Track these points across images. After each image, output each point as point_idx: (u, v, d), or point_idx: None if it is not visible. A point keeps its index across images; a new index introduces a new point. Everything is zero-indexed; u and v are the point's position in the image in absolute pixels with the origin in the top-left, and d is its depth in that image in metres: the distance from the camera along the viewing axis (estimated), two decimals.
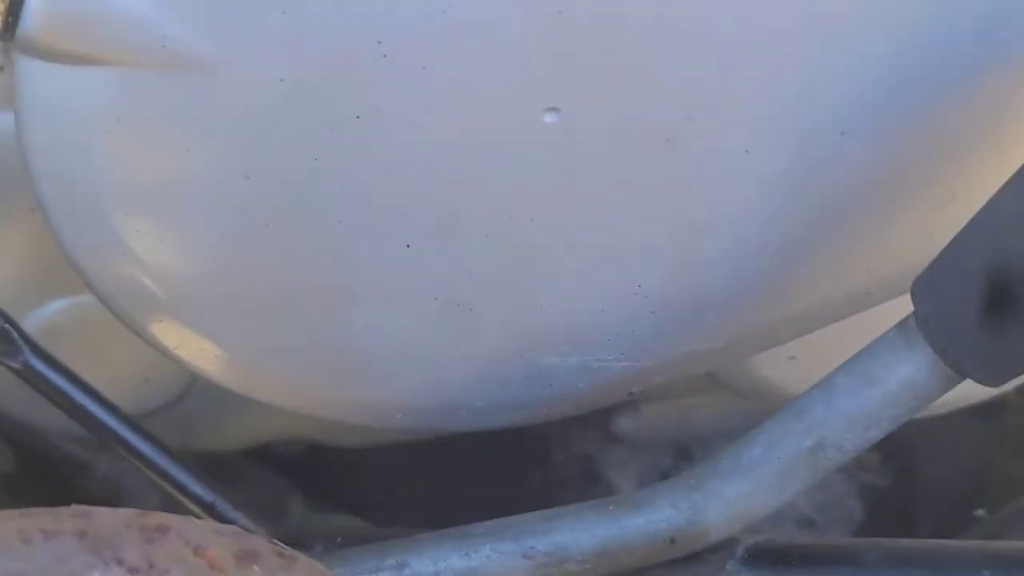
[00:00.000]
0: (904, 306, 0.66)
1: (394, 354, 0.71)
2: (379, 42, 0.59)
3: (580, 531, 0.68)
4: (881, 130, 0.64)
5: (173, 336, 0.70)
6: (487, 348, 0.71)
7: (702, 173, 0.65)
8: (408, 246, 0.66)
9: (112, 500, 1.00)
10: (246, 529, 0.65)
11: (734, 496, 0.67)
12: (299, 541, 0.74)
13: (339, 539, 0.77)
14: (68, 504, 0.56)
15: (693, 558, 0.69)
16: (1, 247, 0.76)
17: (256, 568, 0.57)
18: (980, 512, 1.01)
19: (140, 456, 0.74)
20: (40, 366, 0.71)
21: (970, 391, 0.65)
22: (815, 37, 0.61)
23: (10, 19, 0.58)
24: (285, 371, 0.71)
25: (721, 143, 0.64)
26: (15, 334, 0.71)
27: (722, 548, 0.69)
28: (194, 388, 0.86)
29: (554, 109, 0.62)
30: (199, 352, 0.70)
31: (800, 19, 0.61)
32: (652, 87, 0.62)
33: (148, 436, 0.74)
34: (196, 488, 0.75)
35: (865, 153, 0.65)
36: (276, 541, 0.58)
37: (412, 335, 0.70)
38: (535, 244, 0.67)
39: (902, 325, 0.63)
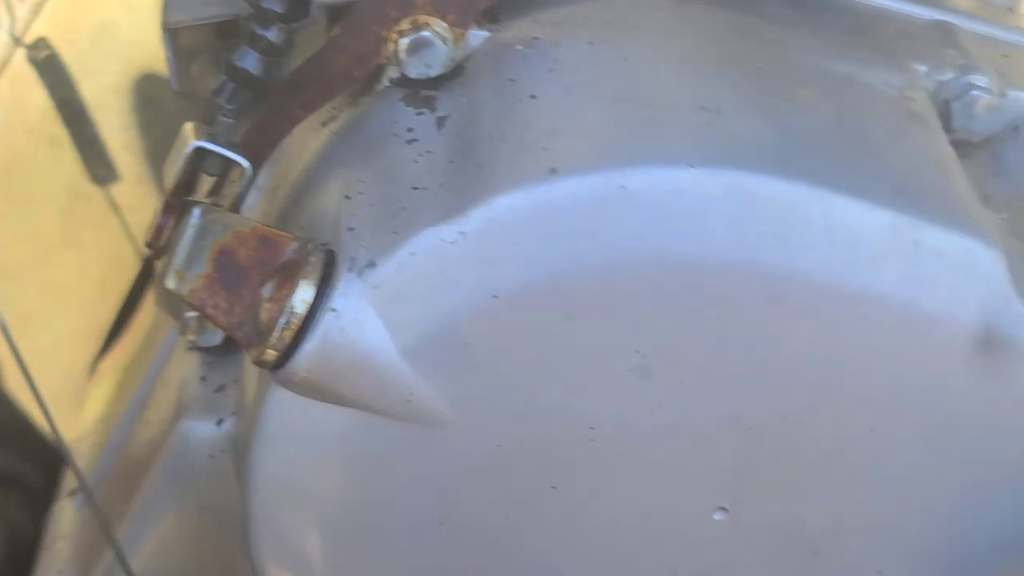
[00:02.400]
0: None
1: None
2: (592, 428, 0.67)
3: None
4: None
5: None
6: None
7: None
8: None
9: None
10: None
11: None
12: None
13: None
14: None
15: None
16: (163, 536, 0.82)
17: None
18: None
19: None
20: None
21: None
22: (956, 500, 0.71)
23: (283, 356, 0.66)
24: None
25: (861, 563, 0.72)
26: None
27: None
28: None
29: (723, 508, 0.70)
30: None
31: (945, 483, 0.70)
32: (813, 504, 0.70)
33: None
34: None
35: None
36: None
37: None
38: None
39: None
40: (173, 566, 0.83)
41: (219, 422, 0.79)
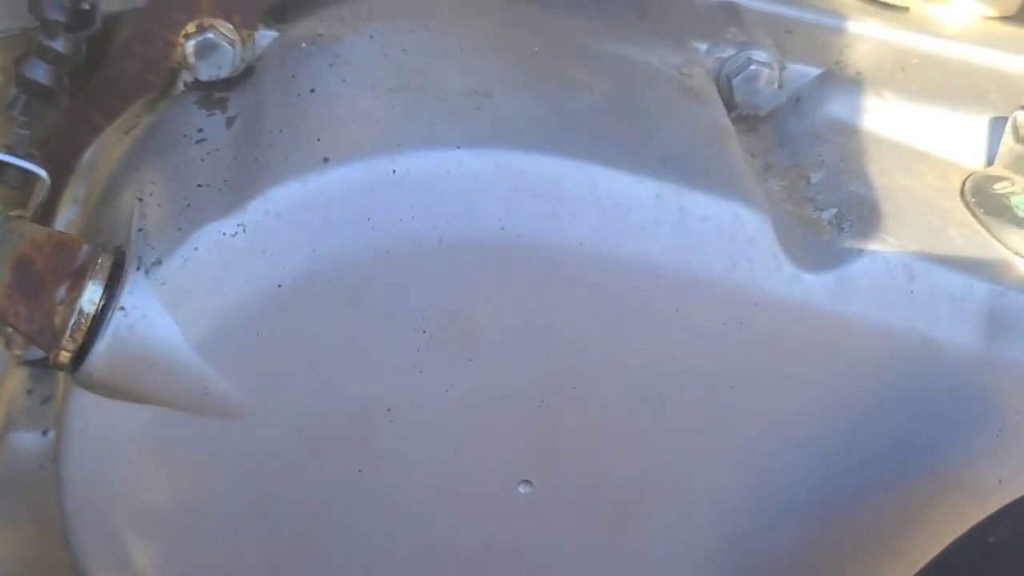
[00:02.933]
0: None
1: None
2: (388, 409, 0.69)
3: None
4: (801, 529, 0.75)
5: None
6: None
7: (647, 548, 0.75)
8: None
9: None
10: None
11: None
12: None
13: None
14: None
15: None
16: (8, 557, 0.83)
17: None
18: None
19: None
20: None
21: None
22: (749, 457, 0.73)
23: (78, 357, 0.67)
24: None
25: (666, 525, 0.74)
26: None
27: None
28: None
29: (528, 482, 0.72)
30: None
31: (737, 442, 0.73)
32: (615, 472, 0.72)
33: None
34: None
35: (787, 545, 0.75)
36: None
37: None
38: None
39: None
40: None
41: (44, 432, 0.80)
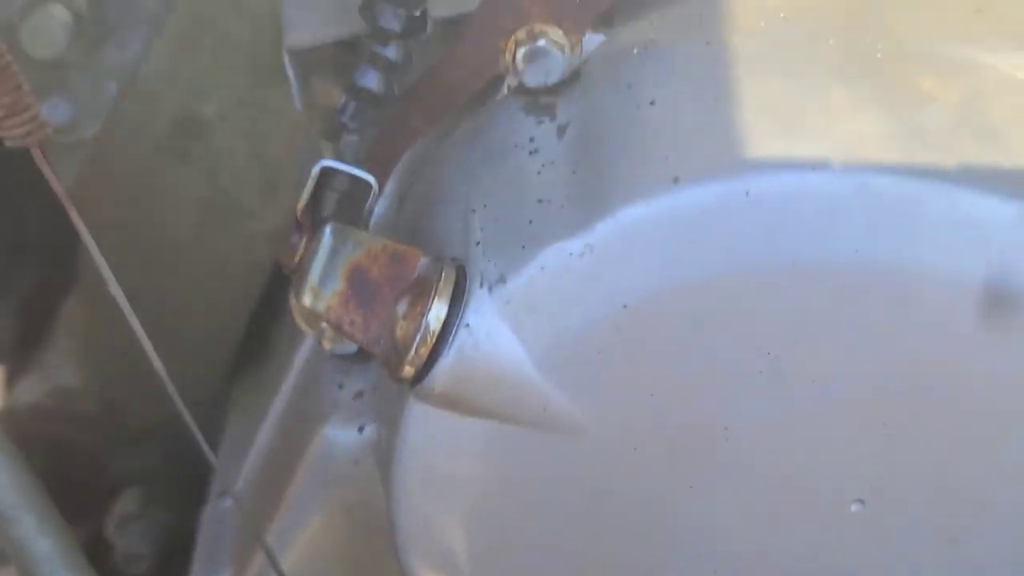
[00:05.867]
0: None
1: None
2: (725, 428, 0.68)
3: None
4: None
5: None
6: None
7: (979, 570, 0.72)
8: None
9: None
10: None
11: None
12: None
13: None
14: None
15: None
16: (312, 538, 0.85)
17: None
18: None
19: None
20: None
21: None
22: None
23: (421, 373, 0.68)
24: None
25: (999, 544, 0.72)
26: None
27: None
28: None
29: (860, 501, 0.70)
30: None
31: None
32: (949, 492, 0.70)
33: None
34: None
35: None
36: None
37: None
38: None
39: None
40: (324, 567, 0.86)
41: (360, 429, 0.82)
